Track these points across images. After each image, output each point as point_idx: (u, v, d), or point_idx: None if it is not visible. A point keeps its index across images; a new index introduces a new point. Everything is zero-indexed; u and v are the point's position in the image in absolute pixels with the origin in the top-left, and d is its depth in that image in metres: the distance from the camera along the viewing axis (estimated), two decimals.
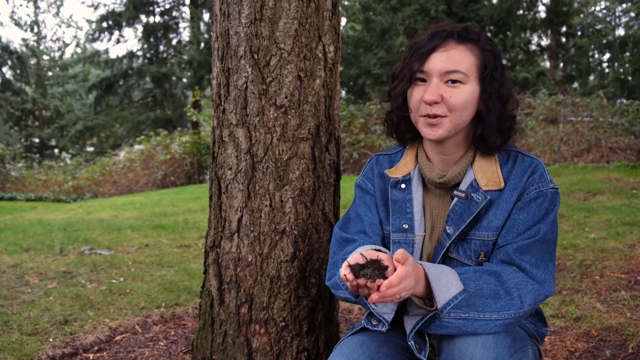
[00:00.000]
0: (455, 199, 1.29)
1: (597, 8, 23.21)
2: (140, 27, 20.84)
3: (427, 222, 1.34)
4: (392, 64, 12.98)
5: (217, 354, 1.71)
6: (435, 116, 1.23)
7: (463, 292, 1.13)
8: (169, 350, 2.15)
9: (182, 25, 21.31)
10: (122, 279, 3.15)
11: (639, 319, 2.27)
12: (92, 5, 23.86)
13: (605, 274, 2.92)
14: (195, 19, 18.20)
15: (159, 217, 5.77)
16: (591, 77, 18.69)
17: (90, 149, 25.47)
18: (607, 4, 22.24)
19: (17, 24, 28.04)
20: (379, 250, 1.18)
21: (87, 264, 3.52)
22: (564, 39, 16.29)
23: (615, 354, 1.98)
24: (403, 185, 1.35)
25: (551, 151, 8.88)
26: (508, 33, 13.21)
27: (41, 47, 28.40)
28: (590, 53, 17.05)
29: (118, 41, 22.66)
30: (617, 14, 21.80)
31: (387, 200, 1.37)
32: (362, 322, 1.22)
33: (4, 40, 23.86)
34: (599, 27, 18.99)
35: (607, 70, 19.03)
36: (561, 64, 17.65)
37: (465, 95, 1.23)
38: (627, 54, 16.34)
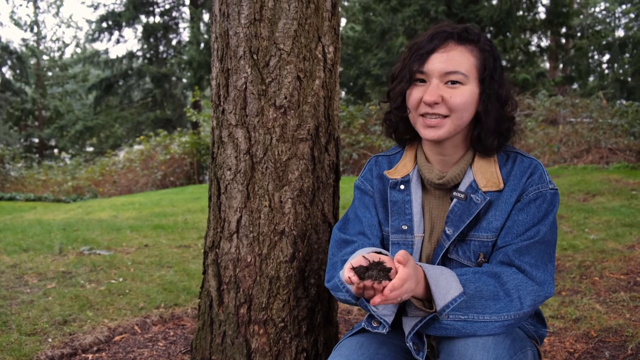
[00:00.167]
0: (455, 200, 1.28)
1: (597, 9, 23.22)
2: (140, 28, 20.85)
3: (427, 223, 1.34)
4: (391, 64, 12.99)
5: (216, 355, 1.71)
6: (436, 117, 1.23)
7: (462, 294, 1.13)
8: (168, 351, 2.15)
9: (182, 25, 21.34)
10: (121, 280, 3.15)
11: (638, 320, 2.27)
12: (92, 6, 23.84)
13: (604, 275, 2.92)
14: (195, 20, 18.20)
15: (158, 218, 5.76)
16: (591, 78, 18.70)
17: (90, 149, 25.46)
18: (607, 5, 22.26)
19: (17, 24, 28.05)
20: (380, 253, 1.18)
21: (86, 264, 3.51)
22: (563, 40, 16.31)
23: (615, 355, 1.98)
24: (402, 187, 1.35)
25: (551, 152, 8.88)
26: (508, 34, 13.23)
27: (41, 47, 28.41)
28: (590, 54, 17.06)
29: (118, 41, 22.66)
30: (616, 15, 21.81)
31: (386, 201, 1.37)
32: (362, 324, 1.21)
33: (3, 40, 23.86)
34: (598, 28, 19.00)
35: (606, 71, 19.04)
36: (561, 65, 17.65)
37: (465, 95, 1.23)
38: (627, 55, 16.35)
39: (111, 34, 20.71)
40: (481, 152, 1.29)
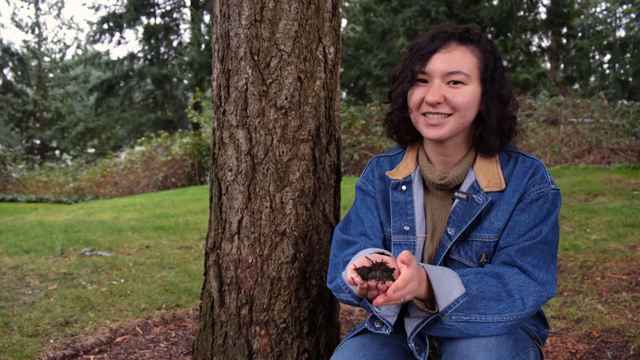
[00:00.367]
0: (457, 201, 1.28)
1: (598, 9, 23.21)
2: (141, 29, 20.87)
3: (428, 223, 1.34)
4: (392, 65, 12.99)
5: (217, 356, 1.70)
6: (438, 116, 1.23)
7: (465, 295, 1.12)
8: (169, 352, 2.15)
9: (182, 26, 21.35)
10: (122, 281, 3.15)
11: None
12: (93, 7, 23.92)
13: (606, 275, 2.91)
14: (195, 21, 18.21)
15: (159, 219, 5.77)
16: (592, 79, 18.70)
17: (91, 150, 25.48)
18: (608, 5, 22.25)
19: (18, 25, 28.10)
20: (382, 253, 1.18)
21: (87, 265, 3.52)
22: (564, 40, 16.30)
23: (617, 355, 1.97)
24: (404, 187, 1.35)
25: (552, 152, 8.87)
26: (508, 34, 13.22)
27: (42, 49, 28.44)
28: (591, 54, 17.07)
29: (119, 43, 22.69)
30: (617, 15, 21.80)
31: (387, 202, 1.37)
32: (365, 325, 1.21)
33: (5, 42, 23.85)
34: (599, 28, 19.00)
35: (607, 71, 19.03)
36: (562, 65, 17.64)
37: (468, 95, 1.23)
38: (628, 55, 16.35)
39: (112, 35, 20.73)
40: (483, 152, 1.29)
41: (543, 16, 14.71)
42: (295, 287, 1.65)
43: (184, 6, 20.94)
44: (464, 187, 1.28)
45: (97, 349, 2.19)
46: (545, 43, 16.59)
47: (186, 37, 21.19)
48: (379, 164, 1.43)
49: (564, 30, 15.53)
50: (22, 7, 44.73)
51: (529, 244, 1.21)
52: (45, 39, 29.03)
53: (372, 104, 11.52)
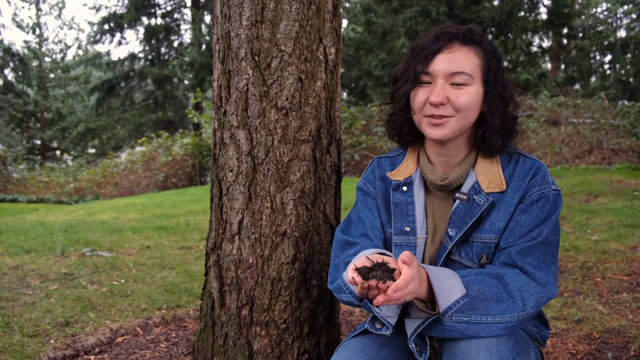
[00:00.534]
0: (457, 202, 1.28)
1: (599, 10, 23.21)
2: (141, 29, 20.89)
3: (429, 224, 1.34)
4: (393, 65, 12.99)
5: (218, 356, 1.70)
6: (440, 117, 1.23)
7: (465, 296, 1.12)
8: (170, 352, 2.15)
9: (183, 27, 21.36)
10: (123, 281, 3.15)
11: None
12: (94, 8, 23.93)
13: (607, 276, 2.91)
14: (196, 21, 18.23)
15: (160, 219, 5.77)
16: (592, 79, 18.69)
17: (92, 150, 25.49)
18: (609, 5, 22.24)
19: (19, 26, 28.11)
20: (383, 254, 1.18)
21: (88, 265, 3.52)
22: (565, 41, 16.29)
23: (617, 356, 1.97)
24: (405, 188, 1.34)
25: (553, 153, 8.87)
26: (509, 35, 13.22)
27: (43, 49, 28.45)
28: (592, 55, 17.06)
29: (120, 43, 22.71)
30: (618, 15, 21.80)
31: (388, 202, 1.37)
32: (366, 325, 1.21)
33: (6, 42, 23.83)
34: (600, 28, 19.00)
35: (608, 71, 19.03)
36: (562, 66, 17.64)
37: (471, 96, 1.23)
38: (629, 55, 16.35)
39: (113, 35, 20.75)
40: (485, 152, 1.29)
41: (544, 16, 14.71)
42: (296, 287, 1.65)
43: (185, 7, 20.96)
44: (465, 188, 1.28)
45: (97, 350, 2.19)
46: (546, 43, 16.59)
47: (187, 37, 21.22)
48: (380, 164, 1.43)
49: (565, 30, 15.52)
50: (23, 7, 44.80)
51: (529, 245, 1.21)
52: (46, 39, 29.04)
53: (372, 104, 11.52)
